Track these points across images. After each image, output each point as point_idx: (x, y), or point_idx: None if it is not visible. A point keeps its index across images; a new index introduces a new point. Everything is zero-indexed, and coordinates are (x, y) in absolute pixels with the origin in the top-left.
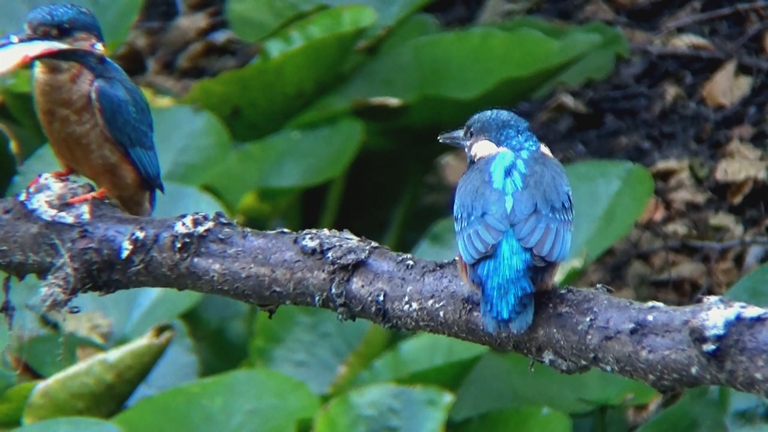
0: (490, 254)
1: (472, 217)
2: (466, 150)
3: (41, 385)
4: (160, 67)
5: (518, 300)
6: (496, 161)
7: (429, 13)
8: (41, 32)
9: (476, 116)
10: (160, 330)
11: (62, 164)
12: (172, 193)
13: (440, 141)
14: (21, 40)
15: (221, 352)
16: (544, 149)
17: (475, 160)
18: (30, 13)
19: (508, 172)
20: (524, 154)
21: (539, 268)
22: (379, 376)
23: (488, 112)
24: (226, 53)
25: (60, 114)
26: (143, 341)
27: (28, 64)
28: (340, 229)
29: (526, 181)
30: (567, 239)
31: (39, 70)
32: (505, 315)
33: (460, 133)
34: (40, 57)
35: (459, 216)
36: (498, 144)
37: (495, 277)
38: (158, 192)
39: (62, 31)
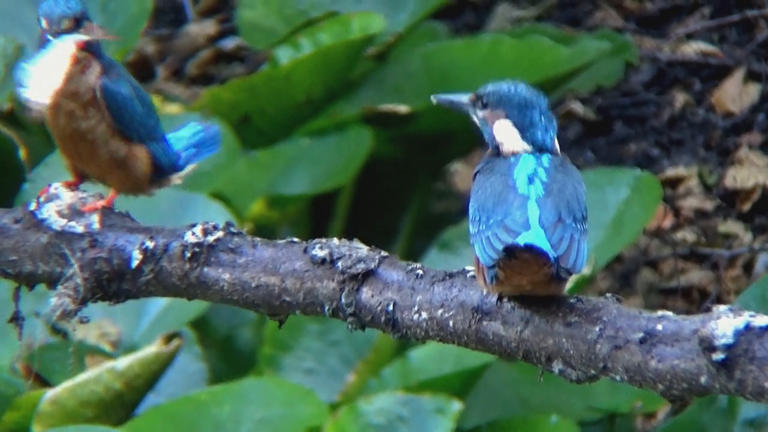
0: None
1: (491, 221)
2: (478, 122)
3: (50, 393)
4: (170, 74)
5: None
6: (518, 167)
7: (438, 20)
8: (66, 26)
9: (490, 87)
10: (169, 338)
11: (71, 170)
12: (181, 200)
13: (434, 102)
14: (53, 37)
15: (230, 360)
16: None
17: (497, 143)
18: (45, 8)
19: (530, 179)
20: (545, 161)
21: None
22: (388, 384)
23: (504, 85)
24: (235, 60)
25: (66, 108)
26: (152, 349)
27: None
28: (349, 237)
29: (548, 189)
30: (586, 250)
31: None
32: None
33: (463, 98)
34: (79, 49)
35: (476, 218)
36: (522, 130)
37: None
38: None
39: (77, 21)
